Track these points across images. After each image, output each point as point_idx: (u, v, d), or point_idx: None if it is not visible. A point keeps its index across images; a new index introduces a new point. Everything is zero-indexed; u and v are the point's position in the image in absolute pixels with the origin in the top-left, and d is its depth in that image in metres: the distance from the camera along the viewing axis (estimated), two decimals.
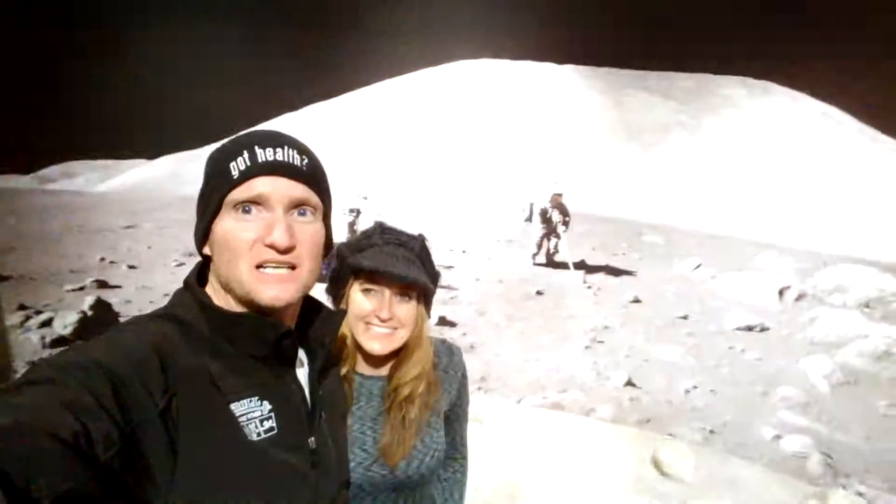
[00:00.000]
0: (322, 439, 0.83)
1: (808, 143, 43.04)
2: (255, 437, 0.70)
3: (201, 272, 0.81)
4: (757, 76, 51.57)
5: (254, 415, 0.71)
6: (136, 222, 11.88)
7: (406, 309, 1.09)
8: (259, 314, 0.74)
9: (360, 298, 1.08)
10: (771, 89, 50.08)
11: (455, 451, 1.31)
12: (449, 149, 33.66)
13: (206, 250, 0.78)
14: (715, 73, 52.73)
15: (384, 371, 1.16)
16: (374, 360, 1.14)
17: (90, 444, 0.51)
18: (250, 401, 0.72)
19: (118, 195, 21.33)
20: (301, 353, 0.85)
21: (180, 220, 12.43)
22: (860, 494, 3.38)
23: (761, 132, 43.94)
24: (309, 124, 44.64)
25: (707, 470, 3.43)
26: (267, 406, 0.73)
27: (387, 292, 1.08)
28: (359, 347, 1.10)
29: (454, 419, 1.27)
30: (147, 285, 6.94)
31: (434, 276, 1.17)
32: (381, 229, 1.15)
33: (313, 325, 0.87)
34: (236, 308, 0.75)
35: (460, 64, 48.65)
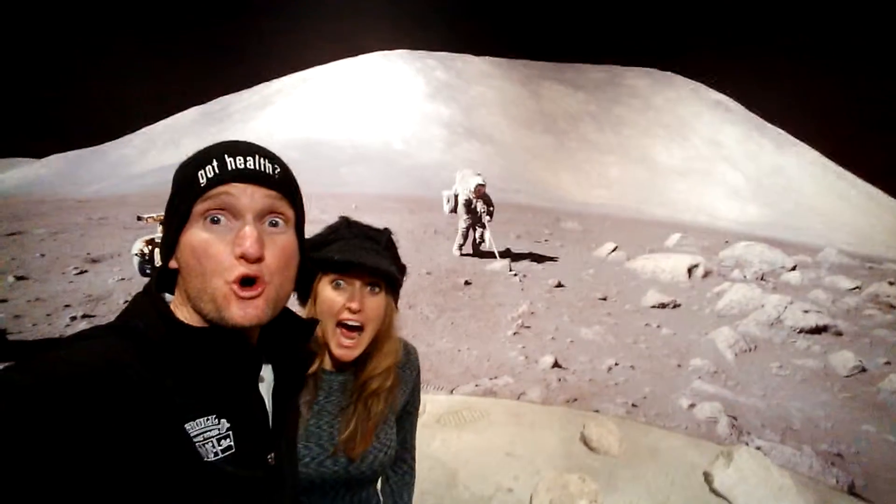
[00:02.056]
0: (281, 455, 0.82)
1: (705, 130, 46.49)
2: (211, 457, 0.68)
3: (162, 281, 0.76)
4: (662, 67, 54.77)
5: (211, 434, 0.69)
6: (23, 228, 10.56)
7: (375, 301, 1.10)
8: (222, 329, 0.71)
9: (329, 293, 1.08)
10: (673, 80, 53.44)
11: (405, 452, 1.32)
12: (368, 140, 33.22)
13: (173, 263, 0.74)
14: (623, 64, 55.45)
15: (348, 366, 1.15)
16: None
17: None
18: (207, 419, 0.69)
19: None
20: (266, 367, 0.83)
21: (78, 223, 11.33)
22: (758, 448, 3.73)
23: (664, 120, 46.91)
24: (218, 117, 42.46)
25: (631, 442, 3.64)
26: (225, 424, 0.71)
27: (357, 284, 1.08)
28: (327, 346, 1.10)
29: (405, 418, 1.27)
30: (41, 297, 6.28)
31: (401, 269, 1.18)
32: (346, 223, 1.16)
33: (282, 337, 0.84)
34: (201, 324, 0.71)
35: (377, 55, 47.96)
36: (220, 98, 48.22)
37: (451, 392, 4.57)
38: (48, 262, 7.99)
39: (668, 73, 54.71)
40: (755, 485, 3.03)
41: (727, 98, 52.48)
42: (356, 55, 48.27)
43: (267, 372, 0.83)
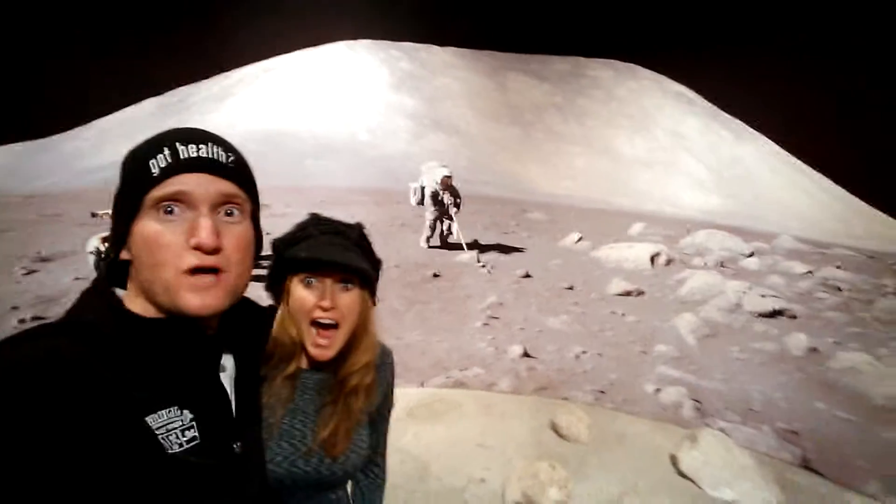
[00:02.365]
0: (248, 444, 0.82)
1: (667, 121, 47.53)
2: (175, 449, 0.67)
3: (112, 274, 0.74)
4: (625, 59, 55.47)
5: (174, 425, 0.68)
6: None
7: (348, 298, 1.08)
8: (177, 319, 0.70)
9: (301, 293, 1.06)
10: (636, 71, 54.31)
11: (376, 456, 1.30)
12: (332, 132, 32.73)
13: (125, 255, 0.71)
14: (587, 56, 55.95)
15: (326, 364, 1.13)
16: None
17: None
18: (169, 411, 0.68)
19: None
20: (227, 356, 0.82)
21: (25, 221, 10.78)
22: (721, 429, 3.86)
23: (627, 111, 47.75)
24: (176, 109, 41.11)
25: (599, 428, 3.70)
26: (188, 415, 0.70)
27: (328, 282, 1.06)
28: (303, 345, 1.08)
29: (379, 421, 1.26)
30: None
31: (375, 263, 1.15)
32: (315, 220, 1.12)
33: (241, 325, 0.83)
34: (156, 315, 0.70)
35: (340, 45, 47.15)
36: (178, 89, 46.61)
37: (422, 385, 4.56)
38: None
39: (631, 64, 55.55)
40: (720, 466, 3.13)
41: (688, 89, 53.71)
42: (320, 45, 47.33)
43: (228, 361, 0.83)
